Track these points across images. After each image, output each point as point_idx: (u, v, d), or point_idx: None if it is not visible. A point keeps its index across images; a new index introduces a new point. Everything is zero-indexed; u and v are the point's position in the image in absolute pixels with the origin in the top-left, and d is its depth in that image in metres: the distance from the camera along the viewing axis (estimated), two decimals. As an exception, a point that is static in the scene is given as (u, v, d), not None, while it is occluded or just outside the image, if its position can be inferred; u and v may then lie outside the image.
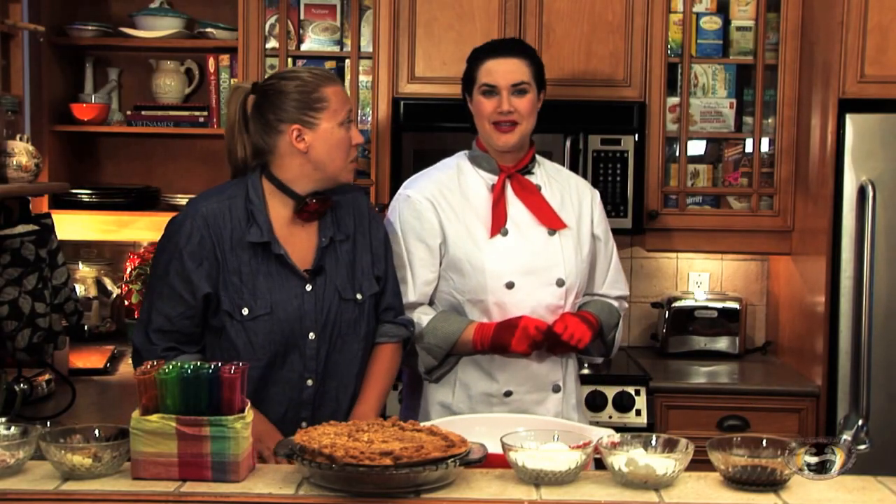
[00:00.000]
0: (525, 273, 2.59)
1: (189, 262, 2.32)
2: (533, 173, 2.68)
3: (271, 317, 2.34)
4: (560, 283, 2.61)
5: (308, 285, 2.37)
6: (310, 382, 2.39)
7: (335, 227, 2.43)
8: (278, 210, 2.38)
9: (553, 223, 2.63)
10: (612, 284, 2.76)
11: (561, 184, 2.71)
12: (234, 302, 2.33)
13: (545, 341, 2.52)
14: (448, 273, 2.62)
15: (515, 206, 2.63)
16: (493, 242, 2.60)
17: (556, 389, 2.65)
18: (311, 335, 2.38)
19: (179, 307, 2.33)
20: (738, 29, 3.68)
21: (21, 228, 2.87)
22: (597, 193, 2.77)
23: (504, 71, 2.56)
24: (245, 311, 2.33)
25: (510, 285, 2.58)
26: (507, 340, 2.51)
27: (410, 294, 2.60)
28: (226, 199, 2.38)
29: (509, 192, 2.64)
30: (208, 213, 2.36)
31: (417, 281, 2.61)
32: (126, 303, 3.78)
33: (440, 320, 2.59)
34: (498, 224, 2.60)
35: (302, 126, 2.34)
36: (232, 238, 2.35)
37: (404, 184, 2.73)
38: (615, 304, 2.75)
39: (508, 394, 2.61)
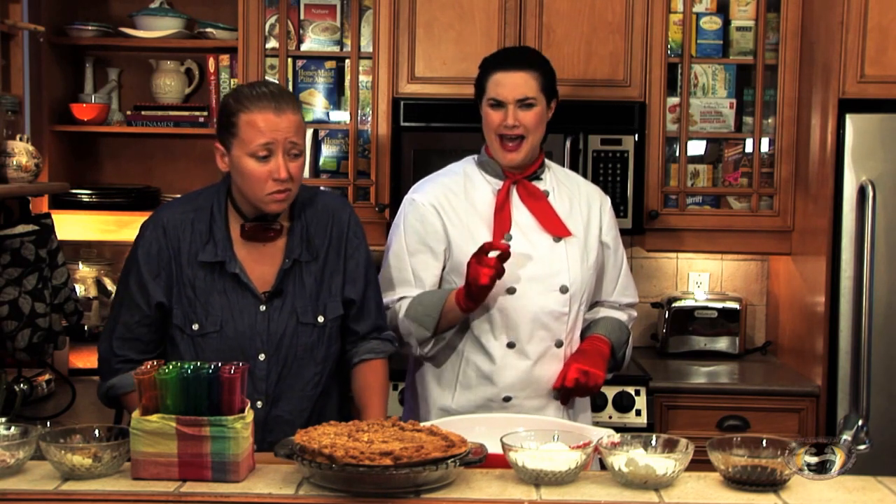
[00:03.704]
0: (528, 279, 2.59)
1: (145, 271, 2.33)
2: (541, 179, 2.68)
3: (220, 334, 2.32)
4: (564, 289, 2.61)
5: (262, 306, 2.34)
6: (259, 405, 2.33)
7: (303, 246, 2.37)
8: (237, 227, 2.36)
9: (558, 230, 2.63)
10: (623, 292, 2.77)
11: (570, 189, 2.71)
12: (187, 316, 2.33)
13: (502, 265, 2.44)
14: (452, 276, 2.63)
15: (521, 212, 2.63)
16: None
17: (557, 396, 2.65)
18: (262, 357, 2.34)
19: (136, 315, 2.34)
20: (738, 29, 3.68)
21: (21, 228, 2.87)
22: (607, 200, 2.77)
23: (511, 85, 2.55)
24: (195, 327, 2.33)
25: (511, 291, 2.58)
26: (469, 281, 2.44)
27: (410, 291, 2.60)
28: (191, 210, 2.36)
29: (515, 197, 2.64)
30: (169, 223, 2.34)
31: (417, 283, 2.62)
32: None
33: (424, 293, 2.60)
34: (501, 230, 2.60)
35: (222, 146, 2.30)
36: (190, 251, 2.33)
37: (412, 188, 2.73)
38: (624, 317, 2.76)
39: (508, 399, 2.61)
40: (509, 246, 2.47)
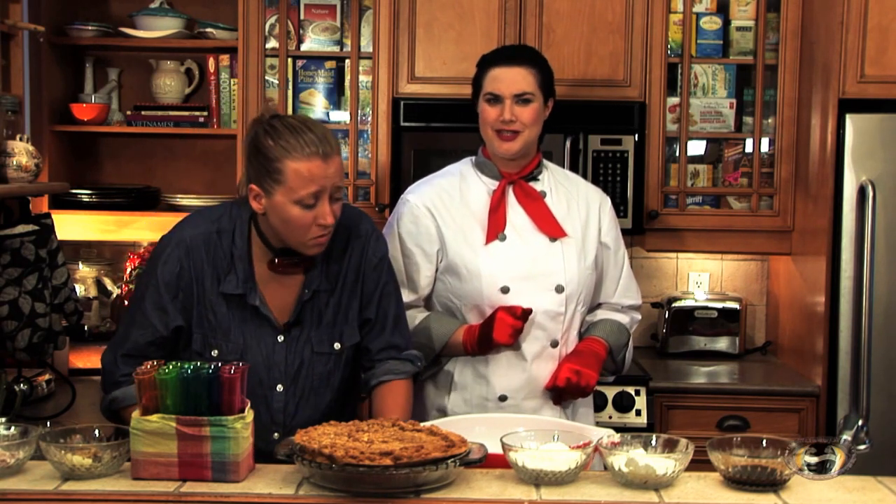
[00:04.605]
0: (522, 278, 2.59)
1: (165, 292, 2.27)
2: (538, 179, 2.67)
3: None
4: (559, 289, 2.60)
5: (280, 336, 2.31)
6: (276, 436, 2.30)
7: (323, 275, 2.32)
8: (260, 257, 2.30)
9: (553, 231, 2.62)
10: (624, 293, 2.75)
11: (568, 190, 2.70)
12: (206, 341, 2.28)
13: (523, 324, 2.52)
14: (445, 277, 2.63)
15: (517, 212, 2.63)
16: (490, 247, 2.60)
17: (551, 396, 2.64)
18: (279, 388, 2.31)
19: (149, 335, 2.28)
20: (738, 29, 3.68)
21: (21, 228, 2.87)
22: (607, 200, 2.76)
23: (508, 80, 2.55)
24: (214, 353, 2.28)
25: (505, 290, 2.57)
26: (488, 335, 2.52)
27: (405, 295, 2.59)
28: (215, 231, 2.29)
29: (511, 198, 2.64)
30: (192, 243, 2.28)
31: (410, 284, 2.62)
32: (126, 303, 3.78)
33: (432, 320, 2.60)
34: (495, 229, 2.60)
35: (260, 189, 2.22)
36: (212, 277, 2.28)
37: (408, 189, 2.73)
38: (625, 318, 2.75)
39: (503, 398, 2.60)
40: (531, 310, 2.53)
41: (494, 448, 1.97)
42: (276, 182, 2.18)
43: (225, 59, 3.80)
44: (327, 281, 2.33)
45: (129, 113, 3.83)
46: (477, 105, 2.63)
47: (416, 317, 2.60)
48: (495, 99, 2.56)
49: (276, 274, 2.29)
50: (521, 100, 2.55)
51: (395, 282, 2.46)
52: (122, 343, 2.31)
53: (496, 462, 1.96)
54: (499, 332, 2.50)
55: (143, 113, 3.79)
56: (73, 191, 3.68)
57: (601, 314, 2.74)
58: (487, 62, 2.62)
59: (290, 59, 3.66)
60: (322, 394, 2.36)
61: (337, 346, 2.35)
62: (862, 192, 3.29)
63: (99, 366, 3.19)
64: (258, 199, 2.22)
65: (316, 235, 2.21)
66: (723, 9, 3.69)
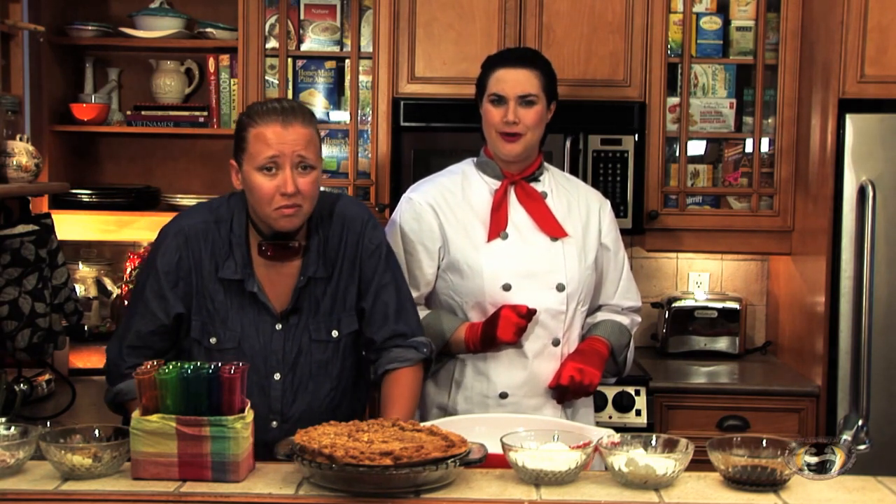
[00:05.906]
0: (523, 276, 2.59)
1: (164, 280, 2.29)
2: (539, 180, 2.68)
3: (237, 351, 2.28)
4: (560, 287, 2.61)
5: (278, 324, 2.32)
6: (274, 424, 2.31)
7: (319, 262, 2.33)
8: (256, 244, 2.32)
9: (554, 231, 2.63)
10: (624, 294, 2.76)
11: (569, 192, 2.72)
12: (205, 328, 2.30)
13: (527, 323, 2.53)
14: (447, 274, 2.63)
15: (518, 212, 2.64)
16: (492, 245, 2.60)
17: (554, 395, 2.65)
18: (277, 376, 2.32)
19: (151, 325, 2.31)
20: (738, 29, 3.68)
21: (21, 228, 2.87)
22: (607, 203, 2.77)
23: (513, 81, 2.56)
24: (213, 340, 2.30)
25: (507, 287, 2.58)
26: (492, 333, 2.52)
27: None
28: (212, 220, 2.32)
29: (513, 197, 2.65)
30: (190, 232, 2.31)
31: (414, 281, 2.62)
32: (126, 303, 3.78)
33: (433, 317, 2.60)
34: (497, 228, 2.61)
35: (235, 163, 2.28)
36: (210, 264, 2.30)
37: (410, 187, 2.74)
38: (626, 320, 2.75)
39: (504, 395, 2.61)
40: (536, 310, 2.54)
41: (494, 448, 1.97)
42: (242, 151, 2.25)
43: (225, 59, 3.79)
44: (324, 268, 2.34)
45: (129, 113, 3.83)
46: (480, 106, 2.63)
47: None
48: (499, 100, 2.57)
49: (268, 260, 2.31)
50: (525, 101, 2.56)
51: (395, 270, 2.44)
52: (125, 334, 2.34)
53: (496, 462, 1.96)
54: (503, 330, 2.51)
55: (143, 113, 3.79)
56: (73, 191, 3.67)
57: (601, 316, 2.75)
58: (492, 63, 2.63)
59: (290, 59, 3.66)
60: (320, 382, 2.36)
61: (335, 333, 2.36)
62: (862, 192, 3.29)
63: (99, 366, 3.20)
64: (237, 174, 2.29)
65: (280, 206, 2.21)
66: (723, 9, 3.69)
